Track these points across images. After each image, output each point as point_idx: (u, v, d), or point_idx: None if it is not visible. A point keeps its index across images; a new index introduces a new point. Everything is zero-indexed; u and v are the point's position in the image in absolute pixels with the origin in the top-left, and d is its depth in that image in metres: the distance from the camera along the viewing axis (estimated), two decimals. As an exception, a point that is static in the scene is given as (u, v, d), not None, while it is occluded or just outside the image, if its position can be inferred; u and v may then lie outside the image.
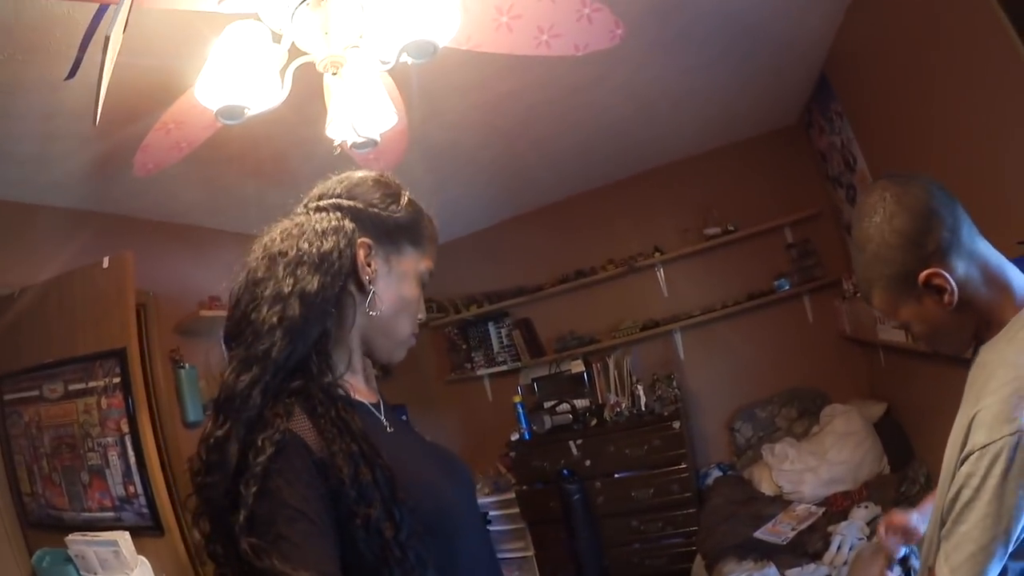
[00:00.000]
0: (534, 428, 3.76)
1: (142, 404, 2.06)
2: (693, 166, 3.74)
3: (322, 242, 0.80)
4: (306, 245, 0.79)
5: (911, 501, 2.43)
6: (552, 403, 3.82)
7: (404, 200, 0.90)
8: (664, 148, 3.55)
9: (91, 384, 2.11)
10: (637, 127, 3.13)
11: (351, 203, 0.86)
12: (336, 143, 1.51)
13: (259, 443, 0.68)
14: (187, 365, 2.84)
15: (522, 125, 2.82)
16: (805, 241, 3.53)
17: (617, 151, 3.41)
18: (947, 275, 0.87)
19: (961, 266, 0.88)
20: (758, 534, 2.70)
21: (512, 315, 4.22)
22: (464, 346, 4.32)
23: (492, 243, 4.32)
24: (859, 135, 2.68)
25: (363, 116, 1.47)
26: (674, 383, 3.63)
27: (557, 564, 3.52)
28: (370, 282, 0.83)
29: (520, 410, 3.79)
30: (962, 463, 0.83)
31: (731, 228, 3.60)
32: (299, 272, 0.77)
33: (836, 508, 2.77)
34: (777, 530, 2.73)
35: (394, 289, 0.87)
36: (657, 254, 3.78)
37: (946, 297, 0.88)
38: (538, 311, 4.17)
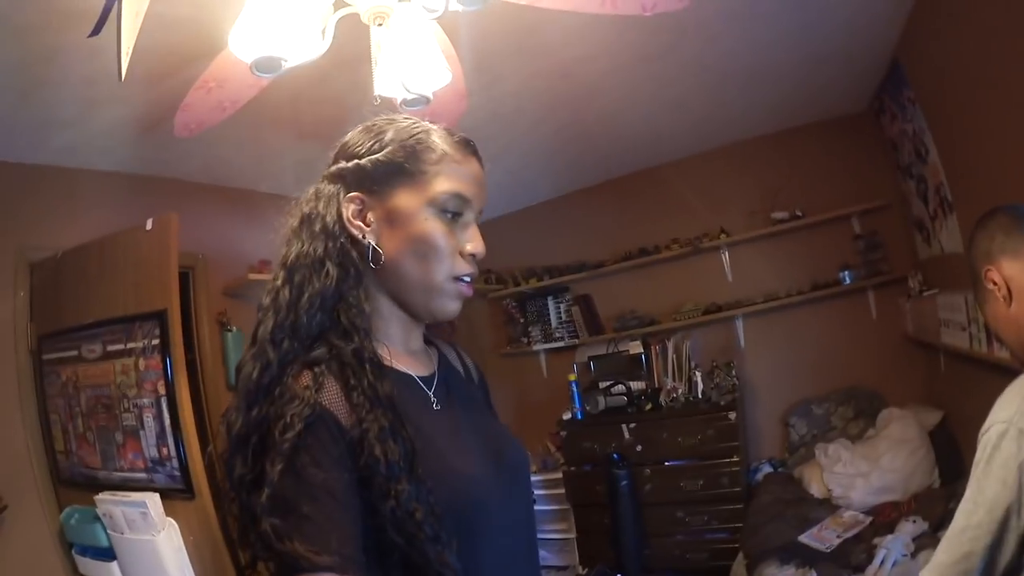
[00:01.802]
0: (587, 408, 3.68)
1: (180, 367, 2.05)
2: (761, 147, 3.60)
3: (300, 210, 0.81)
4: (289, 219, 0.82)
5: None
6: (607, 383, 3.72)
7: (388, 135, 0.80)
8: (732, 126, 3.44)
9: (130, 345, 2.12)
10: (706, 102, 3.03)
11: (335, 167, 0.82)
12: (388, 99, 1.45)
13: (288, 418, 0.65)
14: (234, 328, 2.86)
15: (588, 95, 2.74)
16: (873, 233, 3.39)
17: (685, 126, 3.31)
18: (997, 273, 1.02)
19: (1016, 265, 1.01)
20: (803, 538, 2.61)
21: (572, 290, 4.15)
22: (522, 320, 4.26)
23: (554, 216, 4.23)
24: (932, 124, 2.52)
25: (412, 71, 1.40)
26: (733, 372, 3.53)
27: (597, 549, 3.47)
28: (363, 236, 0.79)
29: (574, 388, 3.71)
30: (978, 444, 0.92)
31: (799, 213, 3.47)
32: (284, 249, 0.80)
33: (883, 518, 2.66)
34: (822, 536, 2.64)
35: (400, 234, 0.78)
36: (723, 236, 3.65)
37: (1000, 292, 1.02)
38: (599, 288, 4.07)
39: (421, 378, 0.82)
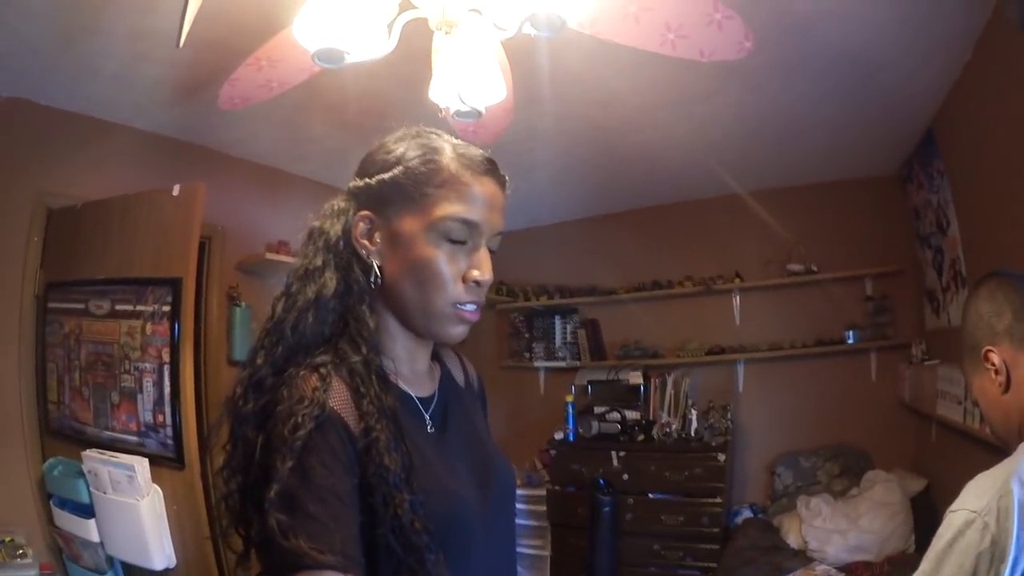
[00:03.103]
0: (580, 431, 3.69)
1: (188, 337, 2.04)
2: (787, 198, 3.62)
3: (315, 224, 0.81)
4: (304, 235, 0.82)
5: None
6: (603, 409, 3.74)
7: (398, 154, 0.78)
8: (761, 174, 3.45)
9: (139, 308, 2.11)
10: (739, 148, 3.05)
11: (352, 184, 0.82)
12: (441, 108, 1.45)
13: (299, 418, 0.65)
14: (243, 304, 2.85)
15: (626, 126, 2.75)
16: (884, 297, 3.42)
17: (715, 168, 3.33)
18: (998, 355, 0.98)
19: (1022, 357, 0.97)
20: (774, 586, 2.62)
21: (581, 313, 4.17)
22: (527, 335, 4.27)
23: (573, 237, 4.26)
24: (957, 198, 2.54)
25: (470, 84, 1.40)
26: (728, 415, 3.55)
27: (571, 570, 3.47)
28: (368, 256, 0.78)
29: (570, 410, 3.73)
30: (943, 519, 0.92)
31: (813, 268, 3.50)
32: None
33: (855, 577, 2.67)
34: (793, 587, 2.65)
35: (401, 257, 0.77)
36: (737, 280, 3.67)
37: (998, 377, 0.98)
38: (607, 314, 4.09)
39: (420, 399, 0.82)
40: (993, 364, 0.99)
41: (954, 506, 0.90)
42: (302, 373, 0.71)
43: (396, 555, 0.67)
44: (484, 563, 0.78)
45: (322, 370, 0.71)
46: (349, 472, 0.67)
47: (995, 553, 0.84)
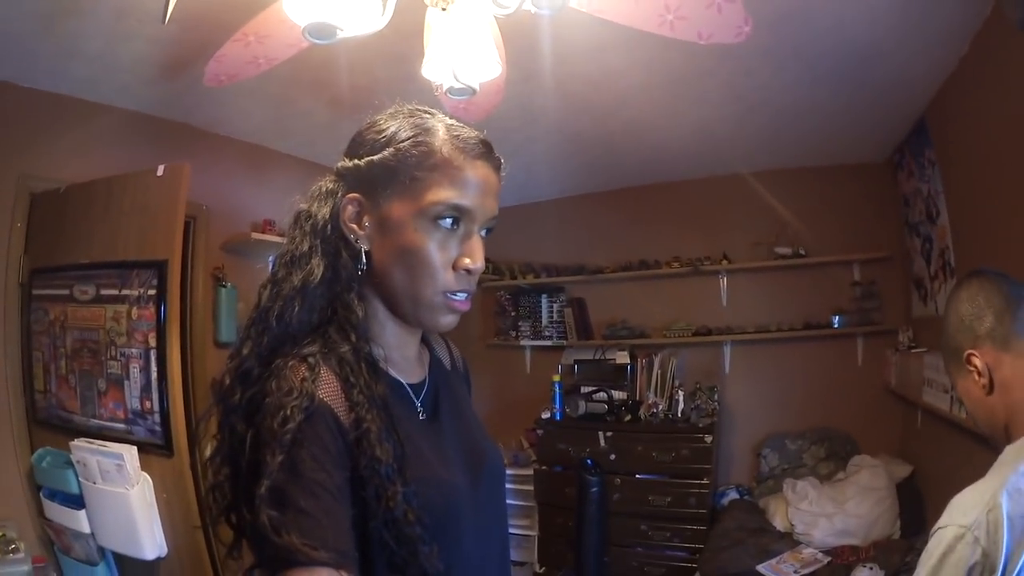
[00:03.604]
0: (567, 410, 3.69)
1: (174, 321, 2.01)
2: (776, 180, 3.62)
3: (297, 207, 0.78)
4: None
5: (912, 572, 2.40)
6: (590, 389, 3.75)
7: (387, 135, 0.76)
8: (752, 156, 3.45)
9: (124, 292, 2.07)
10: (730, 130, 3.04)
11: (340, 164, 0.79)
12: (435, 85, 1.42)
13: (288, 410, 0.64)
14: (229, 284, 2.81)
15: (618, 104, 2.73)
16: (871, 282, 3.44)
17: (705, 149, 3.32)
18: (980, 359, 0.98)
19: (1005, 358, 0.97)
20: (761, 568, 2.65)
21: (567, 292, 4.16)
22: (513, 313, 4.26)
23: (561, 215, 4.23)
24: (947, 188, 2.56)
25: (465, 61, 1.38)
26: (716, 396, 3.57)
27: (558, 550, 3.49)
28: (356, 240, 0.76)
29: (557, 389, 3.72)
30: (931, 537, 0.92)
31: (801, 252, 3.52)
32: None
33: (841, 561, 2.71)
34: (780, 569, 2.68)
35: (390, 242, 0.75)
36: (724, 261, 3.67)
37: (980, 380, 0.99)
38: (594, 293, 4.08)
39: (411, 386, 0.81)
40: (975, 367, 0.99)
41: (942, 522, 0.90)
42: (291, 364, 0.69)
43: (389, 548, 0.66)
44: (476, 548, 0.77)
45: (310, 360, 0.69)
46: (340, 465, 0.65)
47: (986, 565, 0.84)
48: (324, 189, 0.78)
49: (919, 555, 2.71)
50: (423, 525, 0.67)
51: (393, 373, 0.78)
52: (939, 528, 0.90)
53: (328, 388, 0.69)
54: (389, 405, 0.71)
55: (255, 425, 0.67)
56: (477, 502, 0.78)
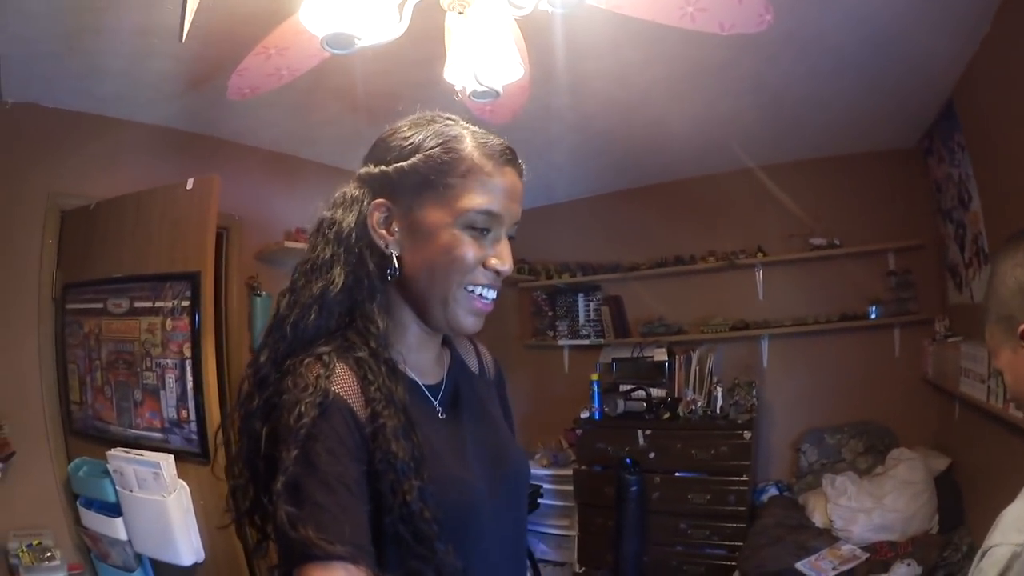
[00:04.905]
0: (605, 409, 3.68)
1: (209, 331, 2.03)
2: (806, 171, 3.58)
3: (321, 214, 0.79)
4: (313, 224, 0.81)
5: (950, 569, 2.37)
6: (628, 387, 3.73)
7: (416, 142, 0.76)
8: (780, 147, 3.40)
9: (158, 304, 2.10)
10: (757, 121, 3.00)
11: (364, 169, 0.80)
12: (457, 89, 1.42)
13: (303, 406, 0.65)
14: (263, 293, 2.84)
15: (642, 100, 2.71)
16: (906, 272, 3.38)
17: (733, 141, 3.28)
18: None
19: None
20: (800, 565, 2.63)
21: (603, 290, 4.14)
22: (550, 313, 4.26)
23: (593, 214, 4.22)
24: (978, 172, 2.49)
25: (487, 64, 1.37)
26: (754, 392, 3.53)
27: (597, 550, 3.48)
28: (386, 246, 0.77)
29: (596, 388, 3.71)
30: (982, 555, 0.85)
31: (836, 242, 3.46)
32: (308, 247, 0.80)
33: (879, 557, 2.67)
34: (819, 566, 2.65)
35: (424, 247, 0.76)
36: (760, 254, 3.64)
37: None
38: (630, 291, 4.07)
39: (428, 387, 0.81)
40: None
41: (994, 540, 0.84)
42: (306, 362, 0.70)
43: (405, 543, 0.66)
44: (493, 549, 0.78)
45: (325, 358, 0.71)
46: (356, 459, 0.66)
47: None
48: (348, 196, 0.78)
49: (955, 551, 2.65)
50: (439, 523, 0.67)
51: (411, 374, 0.79)
52: (992, 546, 0.83)
53: (343, 383, 0.70)
54: (408, 407, 0.71)
55: (271, 423, 0.69)
56: (496, 504, 0.78)
